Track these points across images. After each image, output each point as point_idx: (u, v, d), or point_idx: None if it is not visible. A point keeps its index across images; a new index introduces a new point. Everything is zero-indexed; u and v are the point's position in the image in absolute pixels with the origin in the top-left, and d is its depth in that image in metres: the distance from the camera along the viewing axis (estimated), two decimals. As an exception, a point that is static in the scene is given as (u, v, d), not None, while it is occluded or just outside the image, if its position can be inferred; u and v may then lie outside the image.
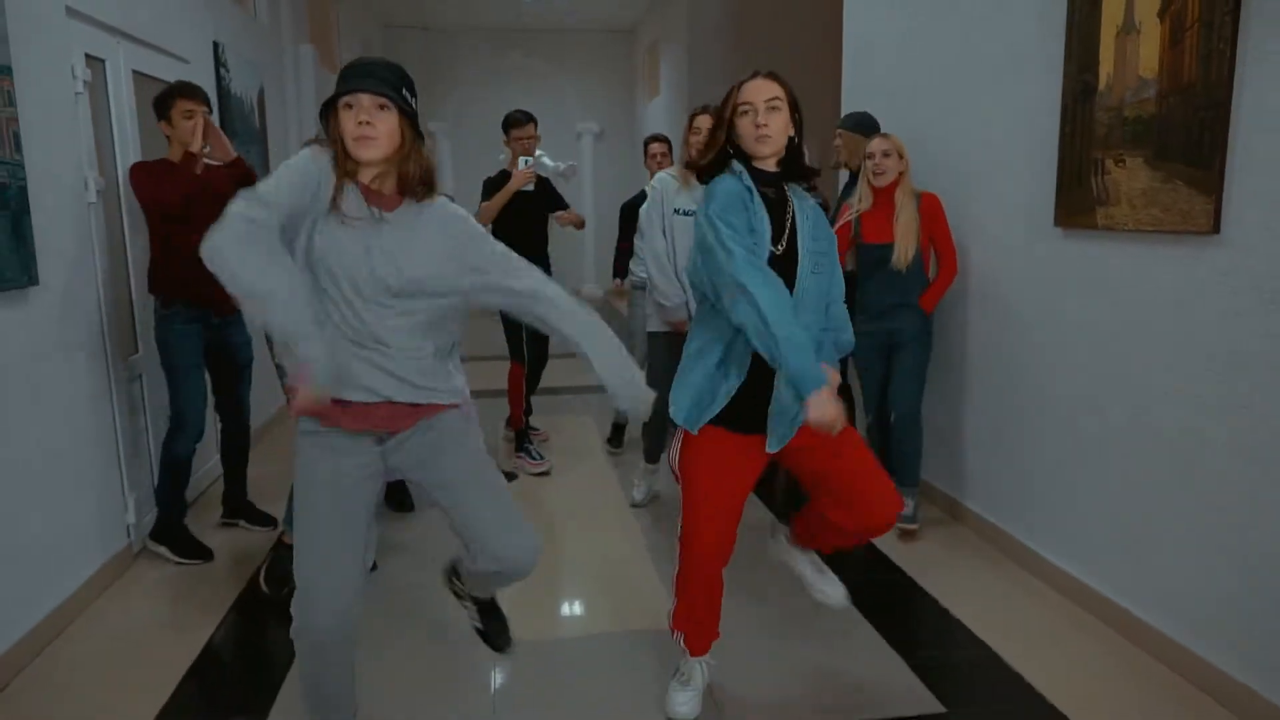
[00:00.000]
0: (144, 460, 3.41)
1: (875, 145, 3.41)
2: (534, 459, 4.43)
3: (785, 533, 2.48)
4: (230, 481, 3.60)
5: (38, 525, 2.66)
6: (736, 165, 2.08)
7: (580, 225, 4.50)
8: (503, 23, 11.56)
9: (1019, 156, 3.14)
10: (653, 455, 3.83)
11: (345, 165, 1.75)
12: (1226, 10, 2.22)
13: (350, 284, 1.74)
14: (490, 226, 4.10)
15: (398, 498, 3.79)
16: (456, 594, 2.28)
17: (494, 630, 2.29)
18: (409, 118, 1.78)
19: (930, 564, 3.24)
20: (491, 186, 4.26)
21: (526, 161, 4.20)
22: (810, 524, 2.31)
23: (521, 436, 4.51)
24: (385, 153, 1.75)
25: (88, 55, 3.14)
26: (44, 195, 2.74)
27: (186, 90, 3.16)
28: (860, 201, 3.48)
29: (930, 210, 3.39)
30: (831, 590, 2.40)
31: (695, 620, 2.24)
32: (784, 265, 2.03)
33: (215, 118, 4.34)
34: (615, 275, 5.16)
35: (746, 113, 2.03)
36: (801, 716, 2.30)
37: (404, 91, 1.78)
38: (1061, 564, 3.00)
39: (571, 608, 3.00)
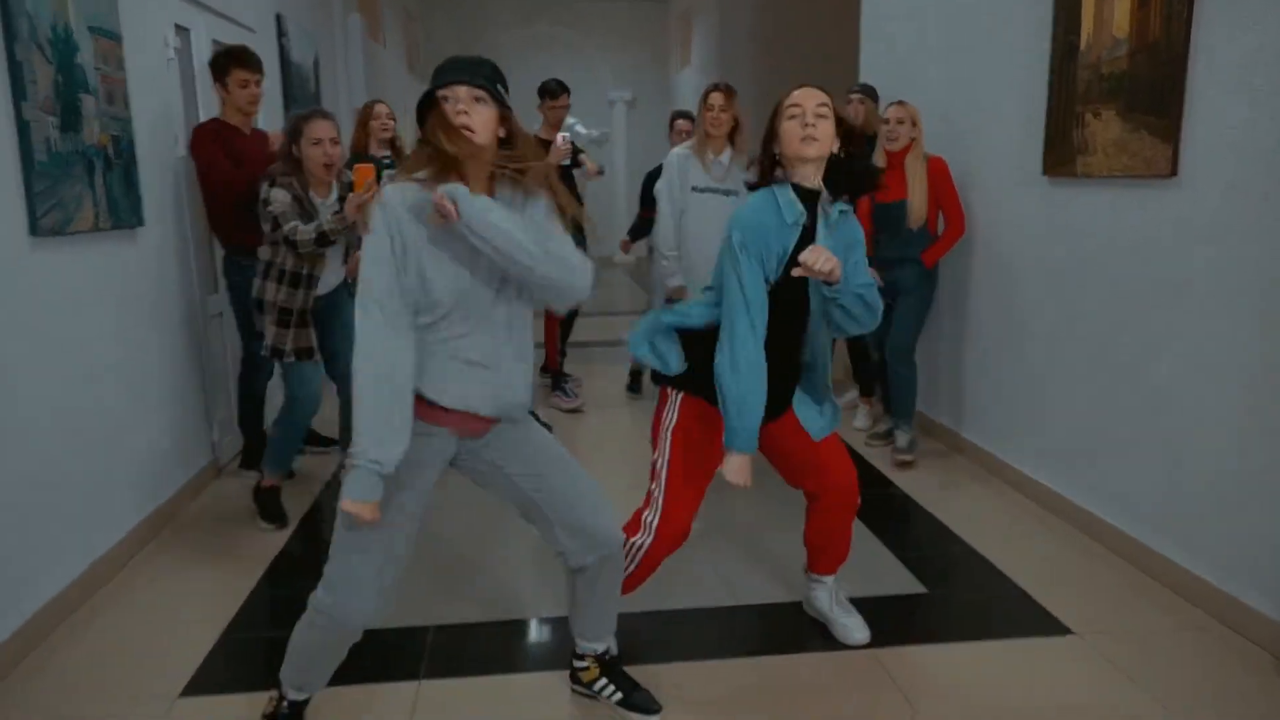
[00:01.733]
0: (225, 388, 3.85)
1: (891, 113, 3.67)
2: (568, 396, 4.82)
3: (809, 575, 2.50)
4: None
5: (144, 435, 3.10)
6: (777, 185, 2.07)
7: (598, 172, 4.82)
8: (538, -8, 11.85)
9: (1012, 112, 3.43)
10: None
11: (445, 163, 1.68)
12: (1185, -24, 2.50)
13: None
14: None
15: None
16: (584, 682, 2.16)
17: (635, 696, 2.12)
18: (504, 112, 1.74)
19: (923, 483, 3.60)
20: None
21: (564, 135, 4.49)
22: (810, 534, 2.41)
23: (556, 378, 4.91)
24: (483, 144, 1.71)
25: (176, 25, 3.54)
26: (146, 149, 3.15)
27: (244, 59, 3.40)
28: (875, 161, 3.74)
29: (937, 172, 3.67)
30: (856, 630, 2.39)
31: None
32: (797, 284, 2.05)
33: (277, 85, 4.75)
34: (628, 234, 5.42)
35: (795, 116, 2.02)
36: (801, 594, 2.67)
37: (498, 86, 1.75)
38: (1033, 473, 3.38)
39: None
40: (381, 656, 2.34)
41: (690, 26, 10.97)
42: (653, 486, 2.20)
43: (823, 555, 2.42)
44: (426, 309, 1.71)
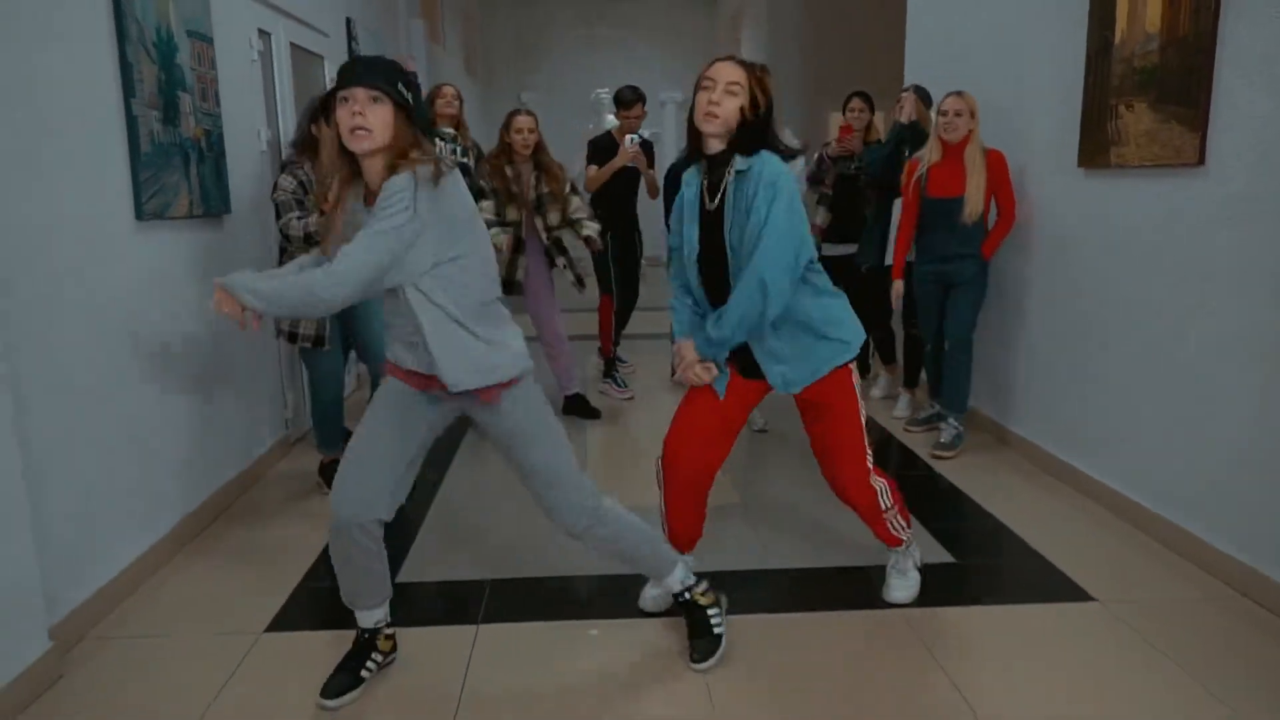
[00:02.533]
0: (296, 369, 4.12)
1: (949, 103, 3.66)
2: (619, 387, 5.02)
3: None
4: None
5: (227, 406, 3.37)
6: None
7: (651, 189, 4.97)
8: (592, -5, 12.10)
9: (1051, 106, 3.53)
10: None
11: (344, 167, 1.88)
12: (1213, -28, 2.60)
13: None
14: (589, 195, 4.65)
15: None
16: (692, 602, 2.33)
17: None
18: (404, 110, 1.84)
19: (956, 463, 3.73)
20: (595, 148, 4.78)
21: (632, 139, 4.67)
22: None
23: (609, 365, 5.10)
24: (380, 143, 1.81)
25: (259, 29, 3.83)
26: (232, 142, 3.43)
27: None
28: (930, 154, 3.77)
29: (996, 166, 3.65)
30: (898, 590, 2.56)
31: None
32: (714, 222, 2.20)
33: None
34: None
35: (706, 89, 2.13)
36: (833, 560, 2.82)
37: (399, 85, 1.84)
38: (1063, 453, 3.49)
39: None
40: (445, 603, 2.56)
41: (739, 28, 11.12)
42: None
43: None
44: None
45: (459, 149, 4.31)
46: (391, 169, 1.82)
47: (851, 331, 2.30)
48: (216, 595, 2.63)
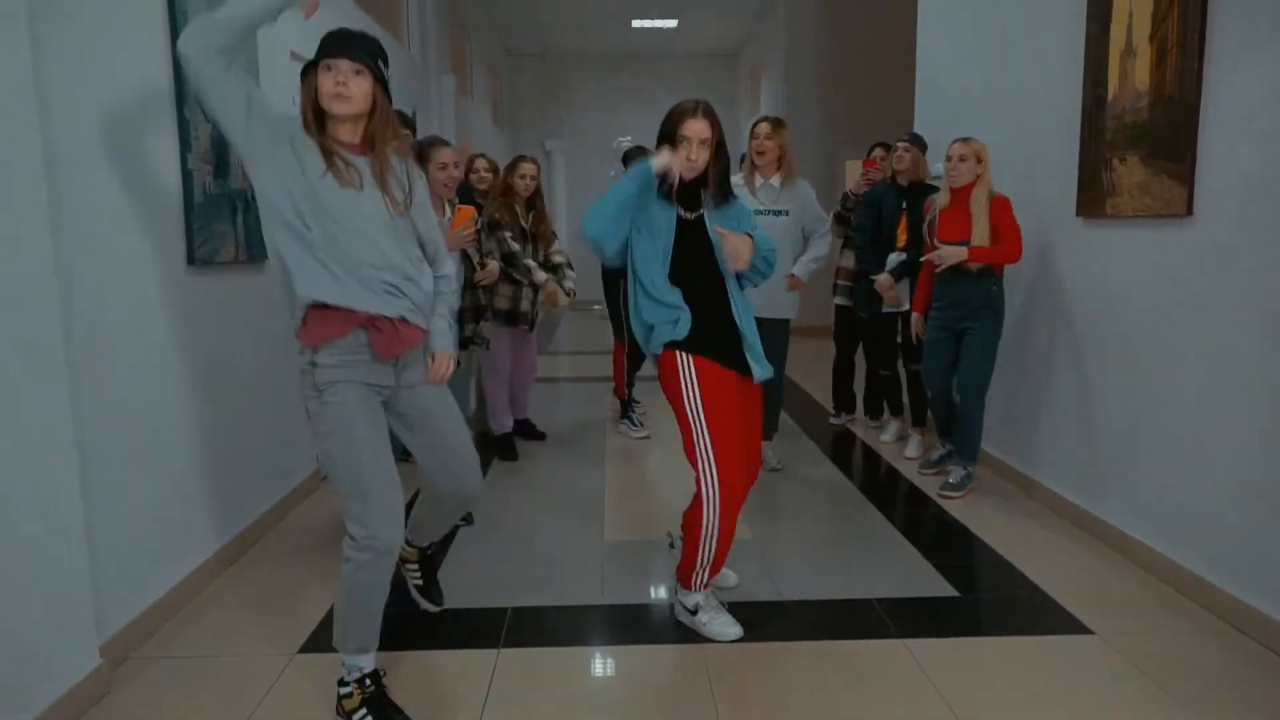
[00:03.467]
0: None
1: (954, 149, 3.73)
2: (635, 426, 5.17)
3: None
4: None
5: (265, 440, 3.55)
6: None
7: None
8: (614, 49, 12.50)
9: (1051, 156, 3.70)
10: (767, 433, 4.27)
11: (317, 124, 2.03)
12: (1195, 34, 2.77)
13: (357, 217, 2.04)
14: None
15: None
16: (403, 560, 2.62)
17: (433, 587, 2.70)
18: (381, 83, 2.04)
19: (964, 504, 3.83)
20: (628, 158, 5.04)
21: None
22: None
23: (625, 406, 5.26)
24: (357, 110, 2.01)
25: (301, 87, 4.08)
26: (275, 193, 3.65)
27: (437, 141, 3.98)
28: (940, 198, 3.87)
29: (998, 209, 3.69)
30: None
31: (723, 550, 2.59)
32: (704, 253, 2.60)
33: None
34: None
35: (683, 144, 2.51)
36: (842, 594, 2.92)
37: (378, 61, 2.03)
38: (1063, 490, 3.59)
39: (669, 526, 3.71)
40: (465, 630, 2.69)
41: (759, 79, 11.43)
42: (701, 454, 2.49)
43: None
44: None
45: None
46: (369, 140, 2.06)
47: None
48: (253, 618, 2.78)
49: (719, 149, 2.57)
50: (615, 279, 4.71)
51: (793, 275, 4.02)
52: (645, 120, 11.97)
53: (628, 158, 5.00)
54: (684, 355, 2.57)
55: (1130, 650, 2.51)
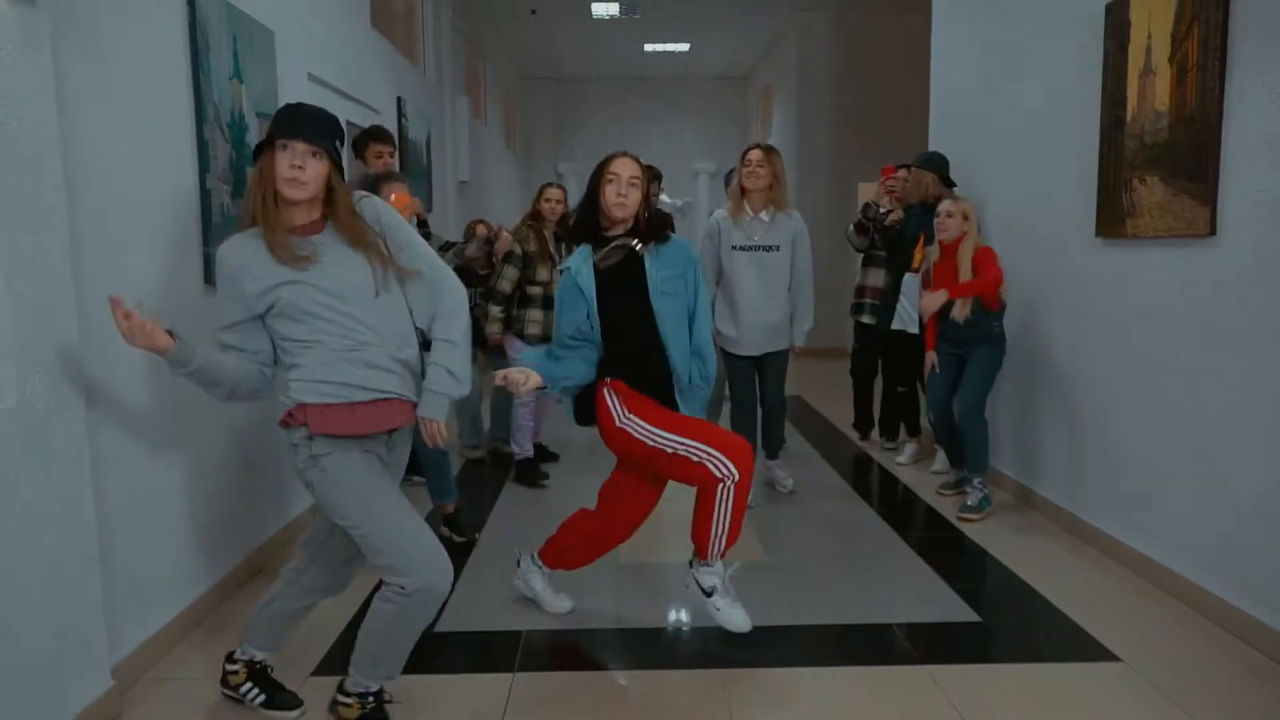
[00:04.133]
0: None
1: (943, 207, 3.93)
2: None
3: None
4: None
5: (280, 460, 3.54)
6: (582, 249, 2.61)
7: None
8: (627, 72, 12.58)
9: (1069, 177, 3.68)
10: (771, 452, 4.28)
11: (272, 215, 1.98)
12: (1216, 56, 2.75)
13: (338, 299, 2.01)
14: None
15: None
16: (232, 685, 2.36)
17: (278, 693, 2.37)
18: (336, 165, 2.03)
19: (983, 527, 3.77)
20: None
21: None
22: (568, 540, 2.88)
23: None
24: (312, 194, 1.99)
25: (319, 109, 4.11)
26: (291, 213, 3.66)
27: (379, 135, 4.03)
28: (933, 250, 4.02)
29: (980, 259, 3.76)
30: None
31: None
32: (638, 296, 2.59)
33: (395, 158, 5.34)
34: None
35: (612, 181, 2.54)
36: (861, 618, 2.88)
37: (335, 142, 2.02)
38: (1087, 516, 3.53)
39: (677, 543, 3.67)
40: (479, 654, 2.66)
41: (770, 102, 11.48)
42: (692, 453, 2.46)
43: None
44: None
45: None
46: (326, 216, 2.05)
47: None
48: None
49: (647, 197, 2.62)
50: None
51: (794, 346, 4.05)
52: (657, 143, 12.07)
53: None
54: (607, 390, 2.62)
55: (1161, 680, 2.45)
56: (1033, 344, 4.00)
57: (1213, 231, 2.80)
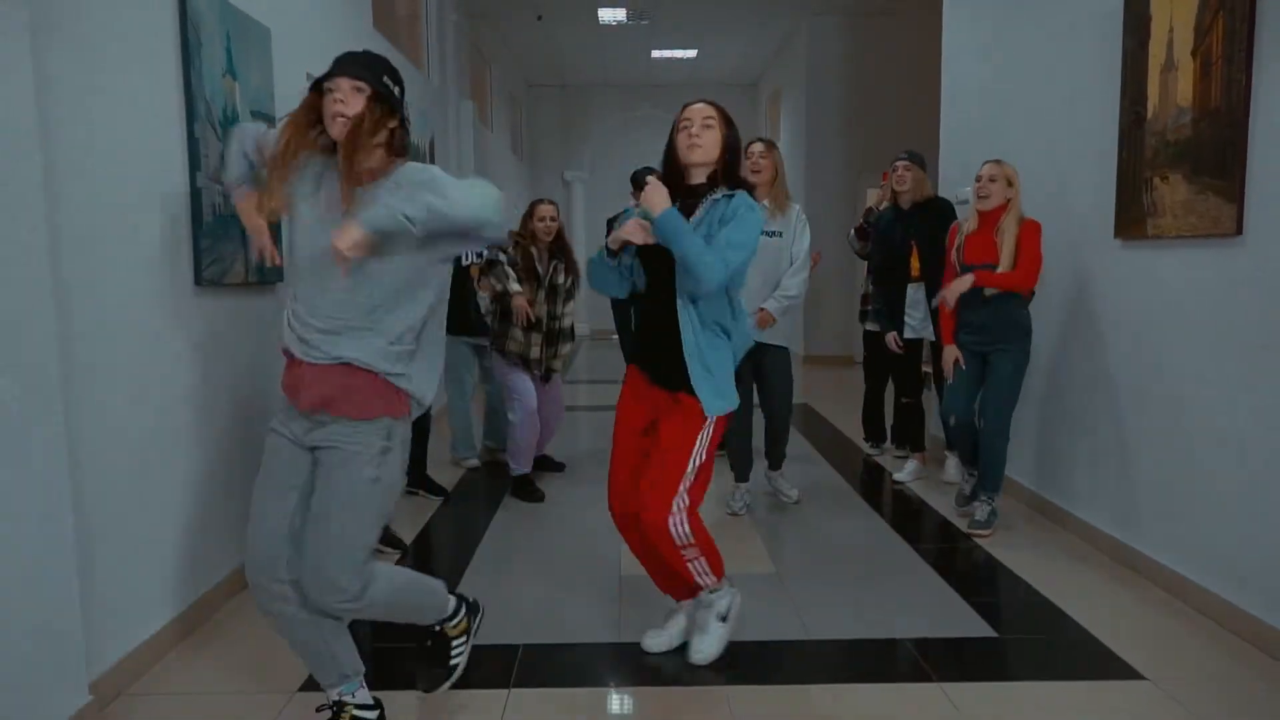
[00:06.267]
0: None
1: (985, 170, 3.59)
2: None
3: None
4: (412, 459, 4.29)
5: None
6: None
7: None
8: (633, 79, 12.53)
9: (1085, 177, 3.57)
10: (742, 474, 4.09)
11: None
12: (1242, 48, 2.64)
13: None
14: None
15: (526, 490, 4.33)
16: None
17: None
18: (383, 103, 1.94)
19: (998, 537, 3.66)
20: (613, 224, 4.89)
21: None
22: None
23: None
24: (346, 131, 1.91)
25: (317, 110, 4.03)
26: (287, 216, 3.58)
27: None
28: (967, 223, 3.72)
29: (1026, 233, 3.53)
30: (698, 651, 2.55)
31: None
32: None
33: None
34: None
35: (685, 127, 2.41)
36: (873, 633, 2.76)
37: (383, 77, 1.97)
38: (1105, 526, 3.42)
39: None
40: (474, 669, 2.54)
41: (778, 108, 11.40)
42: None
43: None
44: None
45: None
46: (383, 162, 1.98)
47: (719, 392, 2.39)
48: (252, 655, 2.65)
49: (729, 144, 2.43)
50: (625, 304, 4.61)
51: (763, 309, 3.78)
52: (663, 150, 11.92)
53: (636, 180, 4.88)
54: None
55: (1188, 699, 2.33)
56: (1049, 350, 3.88)
57: (1239, 230, 2.69)
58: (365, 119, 1.92)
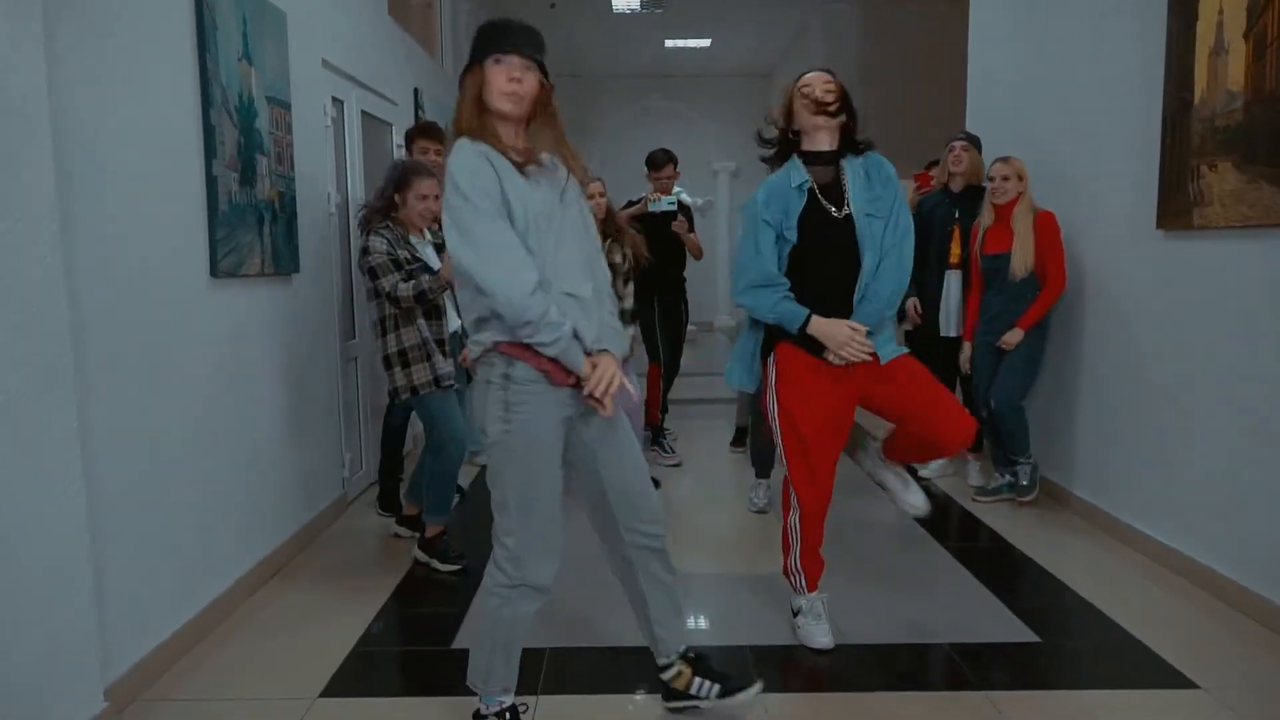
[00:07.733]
0: (358, 427, 4.13)
1: (996, 169, 3.78)
2: (667, 452, 4.93)
3: (875, 446, 2.80)
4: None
5: (288, 463, 3.37)
6: (795, 161, 2.48)
7: (695, 252, 4.88)
8: (646, 69, 12.39)
9: (1124, 167, 3.45)
10: (763, 470, 3.97)
11: (486, 125, 1.87)
12: (1301, 29, 2.53)
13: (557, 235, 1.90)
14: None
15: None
16: (680, 691, 2.20)
17: (732, 681, 2.19)
18: (545, 79, 1.94)
19: (1033, 536, 3.55)
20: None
21: (670, 201, 4.64)
22: (896, 444, 2.67)
23: (657, 432, 5.02)
24: (527, 111, 1.90)
25: (333, 97, 3.95)
26: (303, 204, 3.50)
27: (428, 130, 3.89)
28: (984, 217, 3.86)
29: (1043, 226, 3.69)
30: (916, 500, 2.67)
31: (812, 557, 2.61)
32: (845, 224, 2.43)
33: (441, 157, 5.15)
34: None
35: (807, 95, 2.42)
36: (910, 638, 2.67)
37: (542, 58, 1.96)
38: (1146, 528, 3.32)
39: (701, 555, 3.46)
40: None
41: (794, 98, 11.24)
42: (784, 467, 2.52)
43: (901, 456, 2.73)
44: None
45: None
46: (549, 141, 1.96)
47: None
48: (271, 658, 2.58)
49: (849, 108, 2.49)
50: (648, 299, 4.50)
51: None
52: (677, 142, 11.82)
53: (653, 160, 4.77)
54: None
55: (1246, 709, 2.23)
56: (1086, 346, 3.77)
57: (1296, 220, 2.58)
58: (549, 101, 1.95)
